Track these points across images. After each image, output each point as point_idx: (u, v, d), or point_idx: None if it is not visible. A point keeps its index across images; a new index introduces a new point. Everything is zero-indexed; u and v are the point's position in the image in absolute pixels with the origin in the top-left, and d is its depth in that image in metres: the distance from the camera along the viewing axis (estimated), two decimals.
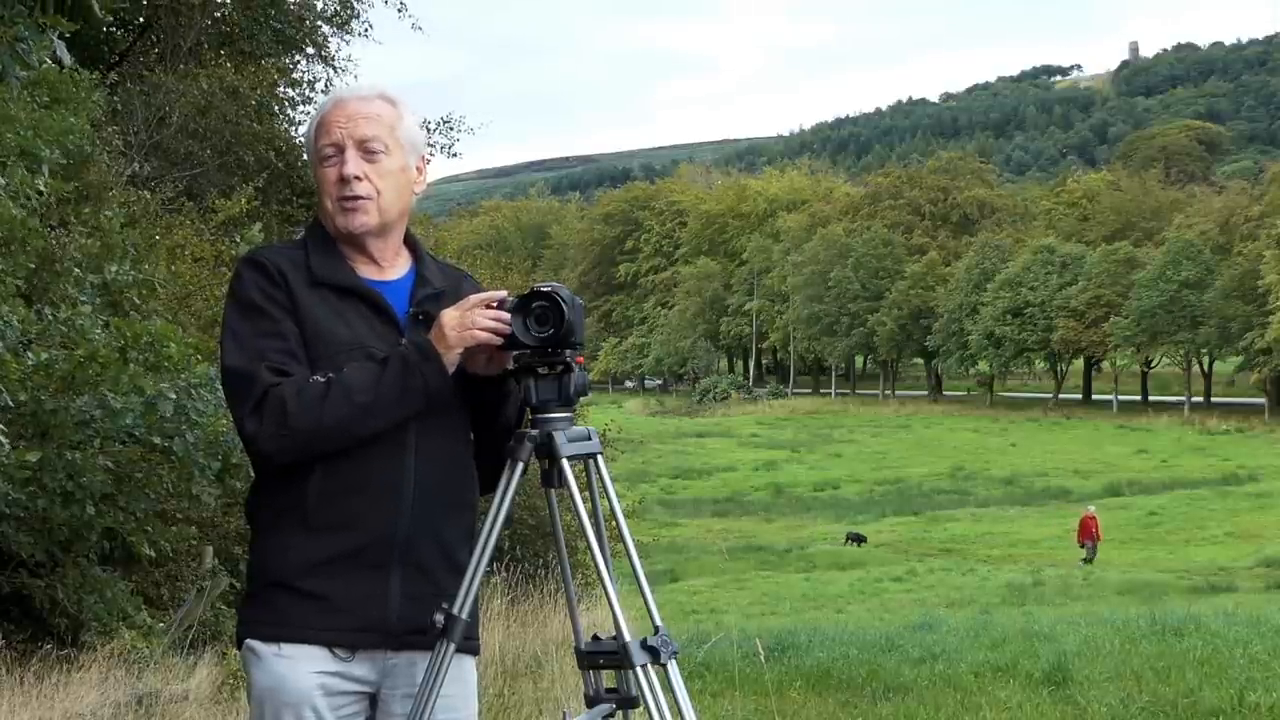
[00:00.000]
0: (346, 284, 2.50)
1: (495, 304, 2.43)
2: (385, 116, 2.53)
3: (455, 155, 21.47)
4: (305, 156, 2.67)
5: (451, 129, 19.57)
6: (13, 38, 4.79)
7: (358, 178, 2.48)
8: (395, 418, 2.40)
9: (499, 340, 2.41)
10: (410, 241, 2.63)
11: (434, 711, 2.39)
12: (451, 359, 2.40)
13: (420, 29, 19.22)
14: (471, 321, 2.39)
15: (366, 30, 18.34)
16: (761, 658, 7.25)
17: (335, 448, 2.39)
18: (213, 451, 7.20)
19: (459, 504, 2.54)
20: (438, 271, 2.62)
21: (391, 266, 2.57)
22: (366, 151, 2.49)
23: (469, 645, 2.54)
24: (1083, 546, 32.38)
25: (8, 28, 4.80)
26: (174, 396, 6.81)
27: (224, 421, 7.11)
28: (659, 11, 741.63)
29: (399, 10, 18.72)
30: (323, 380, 2.37)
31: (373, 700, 2.51)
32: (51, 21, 4.81)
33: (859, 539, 35.87)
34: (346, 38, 18.38)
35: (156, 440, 7.00)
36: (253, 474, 2.56)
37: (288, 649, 2.43)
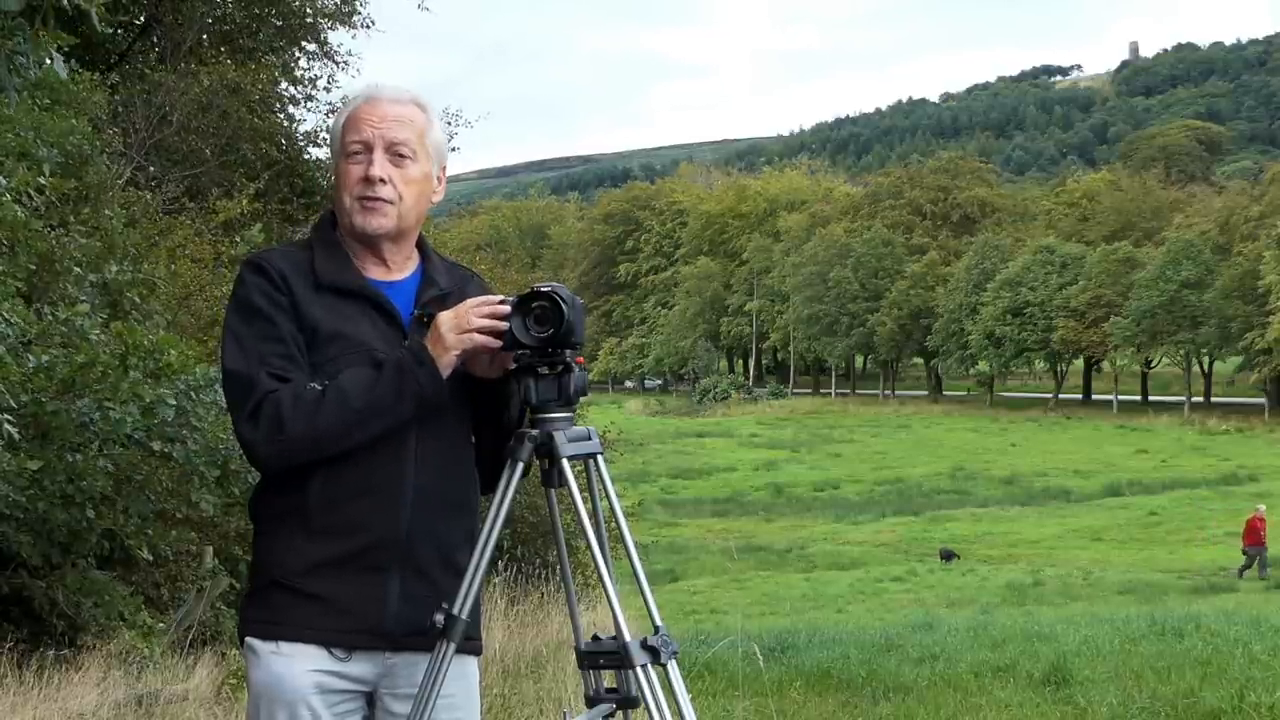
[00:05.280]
0: (351, 286, 2.49)
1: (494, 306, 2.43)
2: (417, 122, 2.53)
3: (454, 149, 21.41)
4: (329, 148, 2.64)
5: (449, 124, 19.56)
6: (10, 51, 4.76)
7: (383, 180, 2.48)
8: (390, 423, 2.40)
9: (496, 343, 2.41)
10: (419, 242, 2.64)
11: (436, 711, 2.40)
12: (448, 362, 2.40)
13: (428, 9, 19.09)
14: (468, 323, 2.39)
15: (368, 25, 18.35)
16: (760, 662, 7.23)
17: (331, 453, 2.39)
18: (212, 459, 7.19)
19: (459, 507, 2.54)
20: (444, 272, 2.62)
21: (400, 268, 2.57)
22: (395, 155, 2.49)
23: (471, 646, 2.54)
24: (1245, 553, 27.97)
25: (6, 40, 4.77)
26: (174, 402, 6.81)
27: (224, 429, 7.11)
28: (649, 18, 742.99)
29: None
30: (319, 387, 2.37)
31: (370, 700, 2.51)
32: (50, 36, 4.78)
33: (950, 555, 32.13)
34: (351, 32, 18.37)
35: (156, 446, 6.99)
36: (254, 477, 2.56)
37: (285, 647, 2.44)
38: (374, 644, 2.45)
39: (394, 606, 2.44)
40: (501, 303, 2.43)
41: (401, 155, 2.50)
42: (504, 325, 2.40)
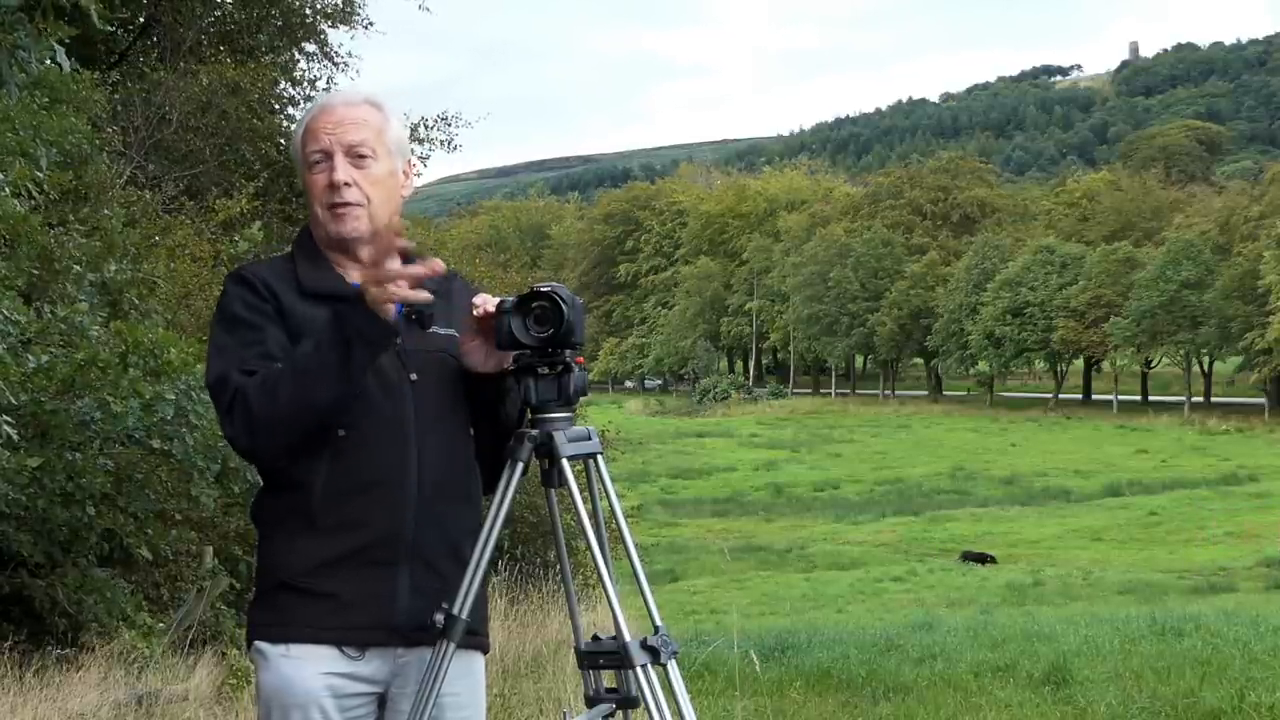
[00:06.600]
0: (336, 292, 2.48)
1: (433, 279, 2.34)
2: (372, 121, 2.52)
3: (456, 148, 21.28)
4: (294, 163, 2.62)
5: (449, 125, 19.52)
6: (12, 45, 4.77)
7: (347, 184, 2.47)
8: (348, 378, 2.33)
9: (427, 296, 2.34)
10: None
11: (442, 711, 2.39)
12: (385, 310, 2.31)
13: (428, 10, 19.00)
14: (386, 277, 2.30)
15: (367, 25, 18.31)
16: (756, 666, 7.21)
17: (306, 426, 2.35)
18: (211, 455, 7.19)
19: (464, 500, 2.54)
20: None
21: None
22: (355, 157, 2.49)
23: (477, 642, 2.53)
24: None
25: (7, 34, 4.78)
26: (173, 398, 6.81)
27: None
28: (649, 18, 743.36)
29: None
30: (279, 366, 2.37)
31: (381, 701, 2.50)
32: (51, 28, 4.79)
33: (977, 558, 31.41)
34: (350, 32, 18.34)
35: (156, 444, 6.99)
36: (255, 477, 2.56)
37: (296, 650, 2.42)
38: (386, 640, 2.44)
39: (404, 601, 2.43)
40: (501, 302, 2.43)
41: (362, 156, 2.49)
42: (423, 294, 2.32)
